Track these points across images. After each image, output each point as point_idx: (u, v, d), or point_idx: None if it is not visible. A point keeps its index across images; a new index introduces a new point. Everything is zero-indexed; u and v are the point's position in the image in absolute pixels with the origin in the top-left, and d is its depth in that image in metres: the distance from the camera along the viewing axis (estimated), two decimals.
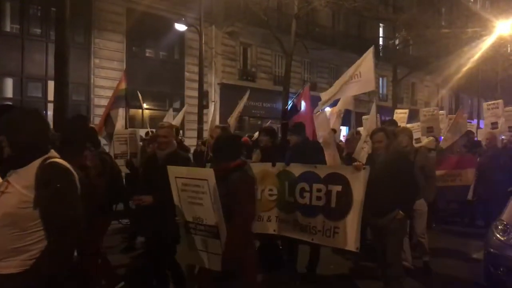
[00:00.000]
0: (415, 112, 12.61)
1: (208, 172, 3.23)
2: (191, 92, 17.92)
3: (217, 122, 11.98)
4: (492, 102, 11.14)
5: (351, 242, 4.42)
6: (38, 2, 14.64)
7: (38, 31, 14.75)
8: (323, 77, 24.21)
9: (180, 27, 15.88)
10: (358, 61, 6.16)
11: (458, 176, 7.50)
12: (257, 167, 5.19)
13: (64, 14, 8.37)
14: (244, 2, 17.97)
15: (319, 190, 4.68)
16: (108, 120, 7.68)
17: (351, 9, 19.42)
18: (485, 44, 22.47)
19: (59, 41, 8.48)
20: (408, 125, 11.69)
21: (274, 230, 5.03)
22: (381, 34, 27.66)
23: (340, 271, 5.87)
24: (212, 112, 12.03)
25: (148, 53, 17.84)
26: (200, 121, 15.17)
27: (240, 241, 3.12)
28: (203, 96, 15.71)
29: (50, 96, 8.18)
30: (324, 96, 6.66)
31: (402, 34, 23.33)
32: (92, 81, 15.51)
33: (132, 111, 16.97)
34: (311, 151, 5.34)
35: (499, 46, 23.08)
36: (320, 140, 6.14)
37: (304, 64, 23.14)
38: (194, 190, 3.26)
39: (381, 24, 27.00)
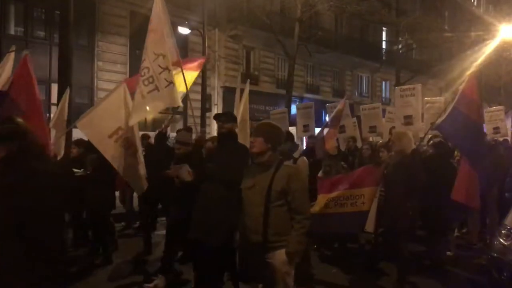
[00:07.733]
0: None
1: None
2: (193, 95, 17.89)
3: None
4: (407, 86, 9.00)
5: None
6: (42, 5, 14.70)
7: (42, 34, 14.81)
8: (326, 81, 24.21)
9: (184, 30, 15.91)
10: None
11: (360, 198, 4.95)
12: None
13: (68, 17, 8.41)
14: (247, 6, 18.01)
15: None
16: None
17: (354, 12, 19.42)
18: (488, 48, 22.36)
19: (63, 44, 8.51)
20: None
21: None
22: (384, 38, 27.63)
23: (341, 277, 5.80)
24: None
25: None
26: (203, 124, 15.17)
27: None
28: (206, 99, 15.72)
29: (54, 98, 8.19)
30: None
31: (405, 38, 23.30)
32: (95, 84, 15.54)
33: None
34: None
35: (502, 50, 22.96)
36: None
37: (307, 67, 23.13)
38: None
39: (384, 28, 26.95)
